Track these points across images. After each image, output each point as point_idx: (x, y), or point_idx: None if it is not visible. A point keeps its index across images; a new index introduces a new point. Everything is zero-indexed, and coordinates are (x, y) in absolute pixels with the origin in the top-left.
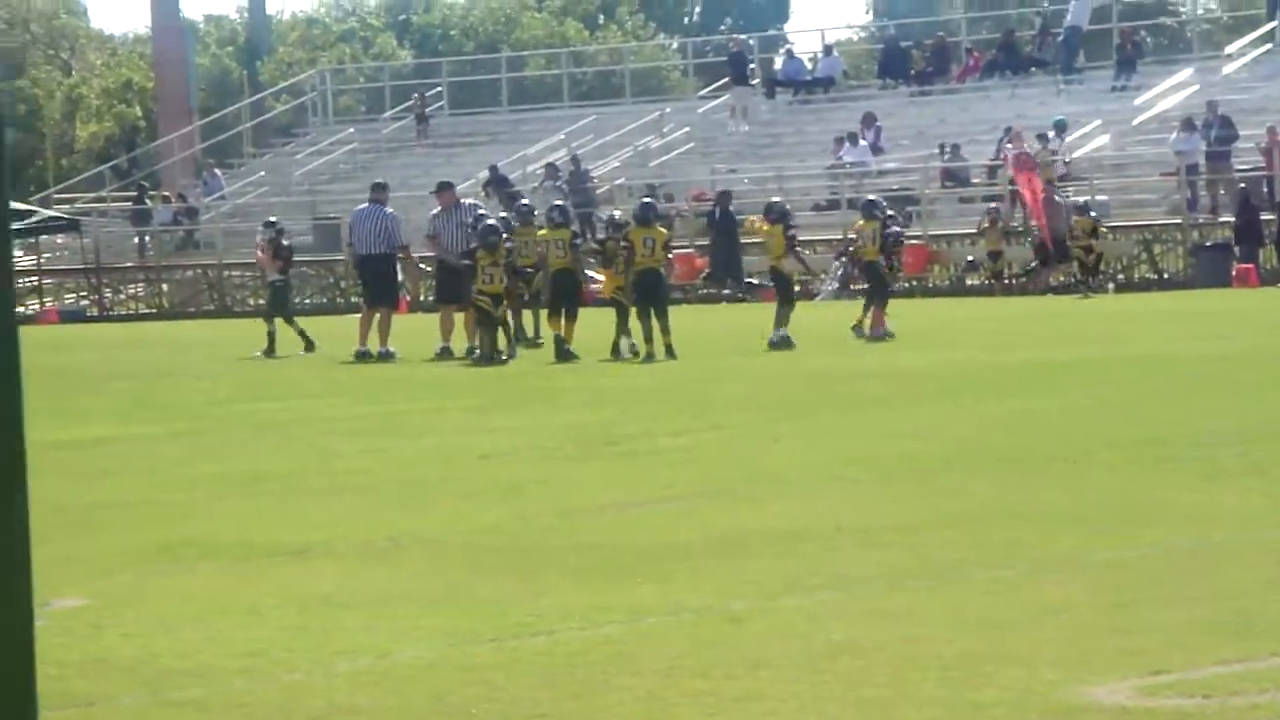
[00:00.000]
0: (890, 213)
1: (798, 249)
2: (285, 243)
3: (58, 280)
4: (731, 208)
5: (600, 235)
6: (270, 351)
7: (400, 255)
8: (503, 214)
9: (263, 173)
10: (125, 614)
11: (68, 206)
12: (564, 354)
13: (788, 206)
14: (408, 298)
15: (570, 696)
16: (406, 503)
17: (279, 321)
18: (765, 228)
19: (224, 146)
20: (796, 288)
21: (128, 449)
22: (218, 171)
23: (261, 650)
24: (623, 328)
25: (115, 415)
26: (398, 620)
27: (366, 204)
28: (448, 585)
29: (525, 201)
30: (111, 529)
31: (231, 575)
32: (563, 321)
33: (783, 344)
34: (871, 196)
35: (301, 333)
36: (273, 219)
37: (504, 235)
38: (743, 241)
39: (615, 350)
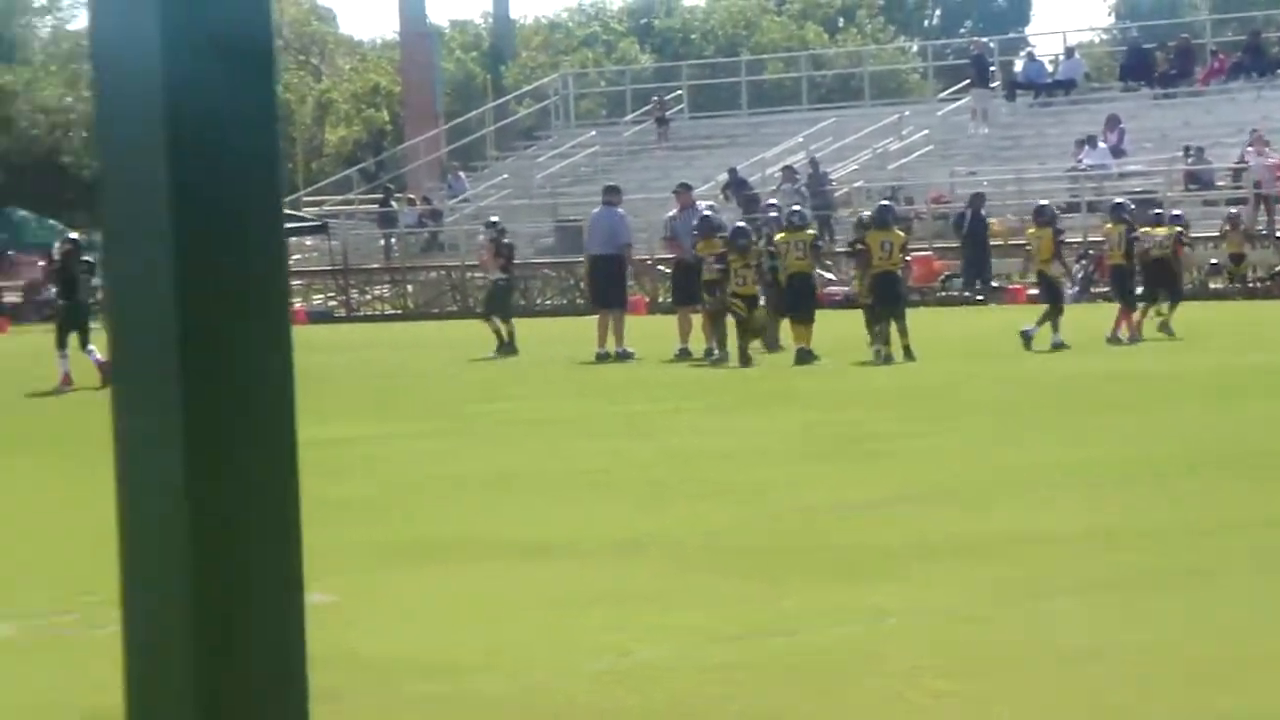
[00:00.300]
0: (1176, 212)
1: (1063, 253)
2: (506, 241)
3: (306, 281)
4: (983, 211)
5: (852, 237)
6: (508, 348)
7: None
8: (777, 214)
9: (505, 175)
10: (371, 609)
11: (316, 209)
12: (803, 356)
13: (1056, 210)
14: (646, 299)
15: (814, 695)
16: (646, 503)
17: (491, 319)
18: (1033, 230)
19: (468, 150)
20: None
21: (374, 448)
22: (462, 174)
23: (503, 648)
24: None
25: (363, 414)
26: (639, 619)
27: (601, 206)
28: (689, 585)
29: (773, 201)
30: (358, 525)
31: (475, 573)
32: (797, 324)
33: (1059, 347)
34: (1119, 199)
35: (497, 332)
36: (494, 218)
37: (754, 238)
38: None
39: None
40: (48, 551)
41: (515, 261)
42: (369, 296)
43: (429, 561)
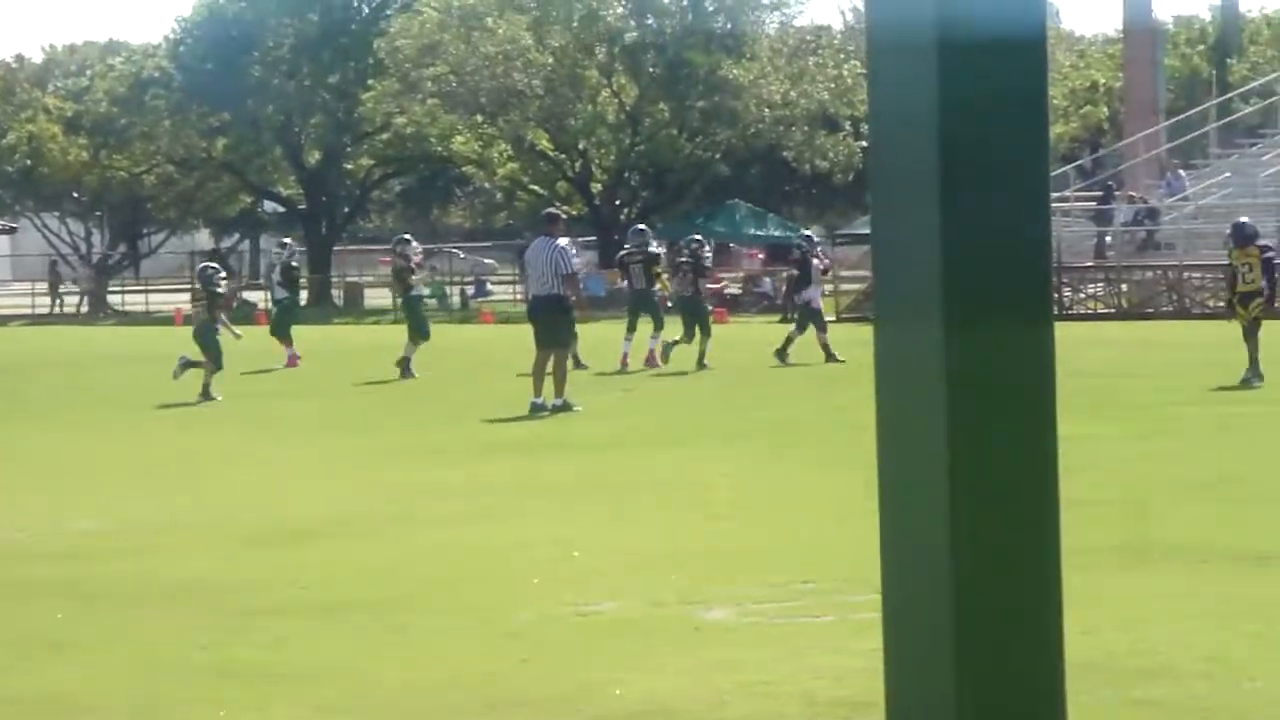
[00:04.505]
0: None
1: None
2: None
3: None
4: None
5: None
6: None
7: None
8: None
9: (1227, 174)
10: (1086, 610)
11: None
12: None
13: None
14: None
15: None
16: None
17: None
18: None
19: (1189, 147)
20: None
21: (1086, 447)
22: (1182, 172)
23: (1222, 655)
24: None
25: (1074, 413)
26: None
27: None
28: None
29: None
30: (1071, 526)
31: (1192, 577)
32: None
33: None
34: None
35: None
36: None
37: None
38: None
39: None
40: (764, 541)
41: None
42: (1082, 295)
43: (1146, 564)
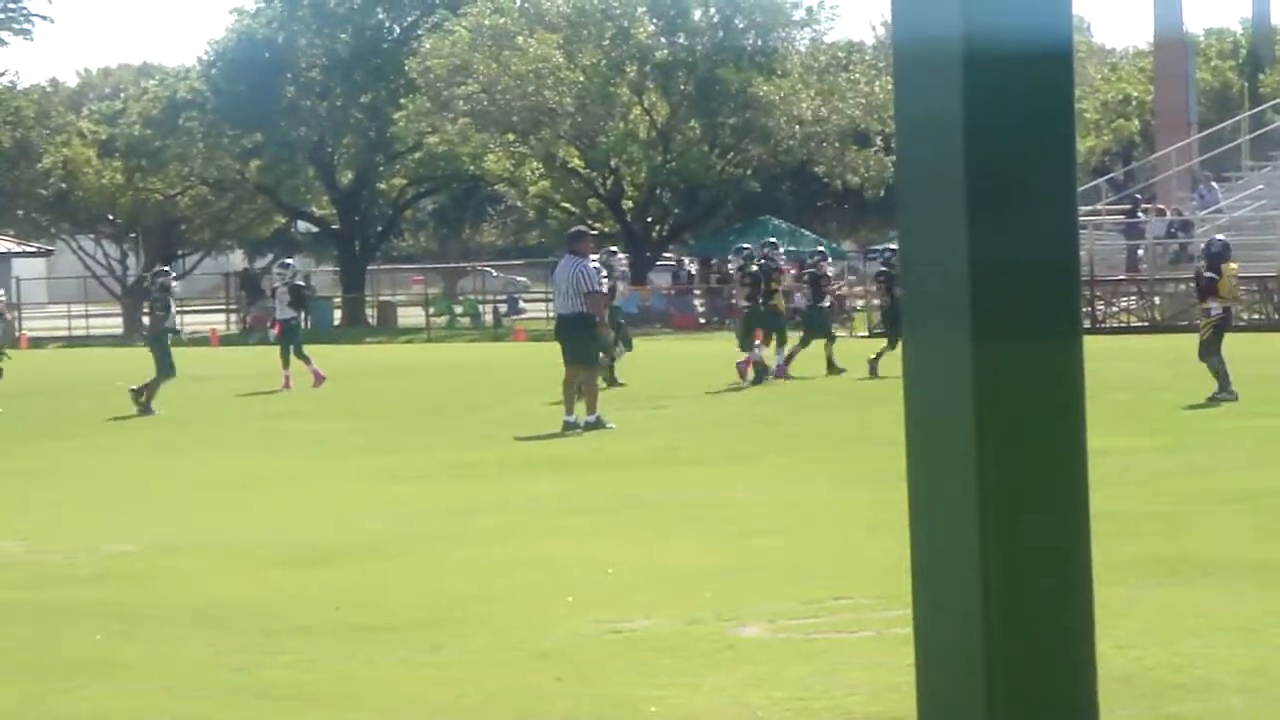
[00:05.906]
0: None
1: None
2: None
3: None
4: None
5: None
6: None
7: None
8: None
9: (1260, 186)
10: (1121, 624)
11: None
12: None
13: None
14: None
15: None
16: None
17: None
18: None
19: (1221, 160)
20: None
21: (1118, 460)
22: (1214, 184)
23: (1259, 669)
24: None
25: (1106, 427)
26: None
27: None
28: None
29: None
30: (1106, 540)
31: (1227, 591)
32: None
33: None
34: None
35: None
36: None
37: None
38: None
39: None
40: (797, 557)
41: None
42: (1114, 308)
43: (1181, 578)
